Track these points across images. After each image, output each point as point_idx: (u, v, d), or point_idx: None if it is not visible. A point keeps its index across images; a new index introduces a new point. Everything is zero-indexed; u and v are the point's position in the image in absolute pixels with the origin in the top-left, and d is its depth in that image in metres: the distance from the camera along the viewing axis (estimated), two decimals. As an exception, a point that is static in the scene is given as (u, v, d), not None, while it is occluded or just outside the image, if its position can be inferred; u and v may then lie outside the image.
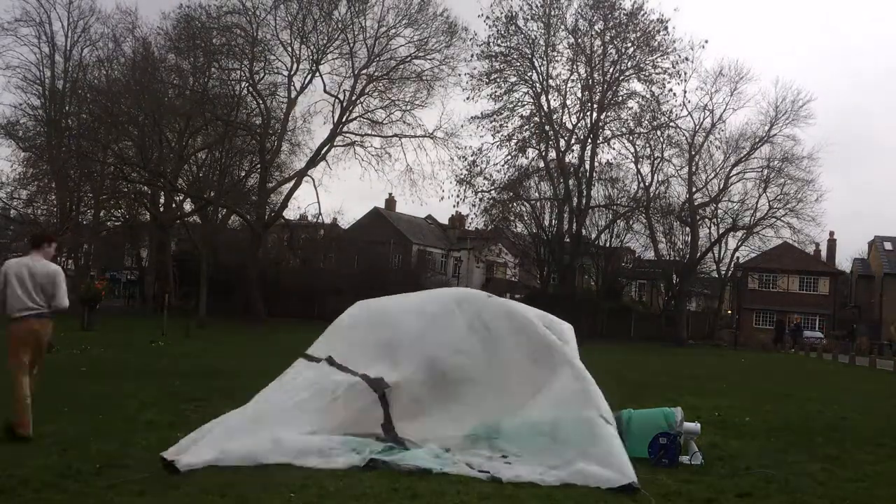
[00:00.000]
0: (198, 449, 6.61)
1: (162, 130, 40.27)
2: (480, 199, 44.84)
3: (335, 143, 43.41)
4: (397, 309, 8.52)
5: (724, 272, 51.41)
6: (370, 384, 7.61)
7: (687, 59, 43.70)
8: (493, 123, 44.47)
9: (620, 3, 44.05)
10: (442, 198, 45.84)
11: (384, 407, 7.55)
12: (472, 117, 44.67)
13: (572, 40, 45.02)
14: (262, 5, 41.33)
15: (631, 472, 6.35)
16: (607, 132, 46.35)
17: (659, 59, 44.32)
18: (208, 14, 40.98)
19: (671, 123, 45.59)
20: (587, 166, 45.59)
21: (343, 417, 7.37)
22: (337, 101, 43.27)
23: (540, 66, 45.10)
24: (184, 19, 41.03)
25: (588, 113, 45.63)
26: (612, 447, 6.65)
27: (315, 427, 7.18)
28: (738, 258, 51.86)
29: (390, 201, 58.19)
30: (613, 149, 47.29)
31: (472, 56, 44.26)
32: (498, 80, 44.82)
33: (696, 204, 46.89)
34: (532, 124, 45.24)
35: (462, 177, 44.41)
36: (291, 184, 43.76)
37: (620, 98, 45.48)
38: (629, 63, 44.87)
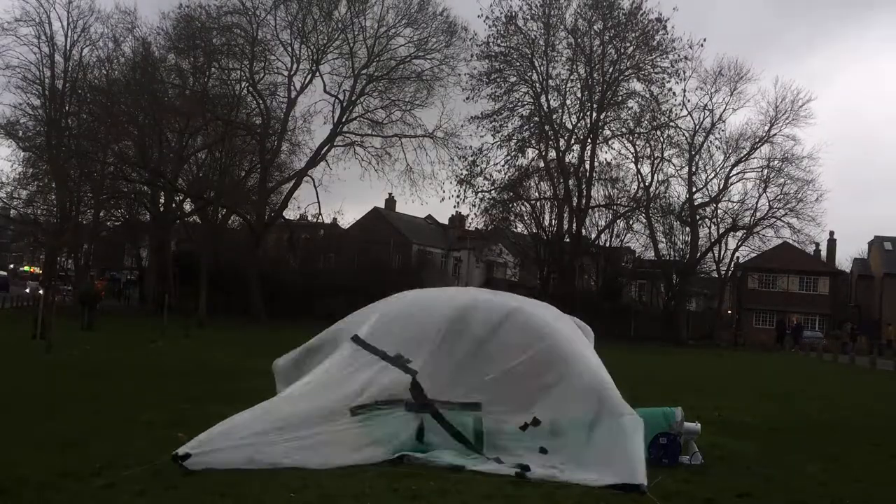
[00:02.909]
0: (219, 454, 6.57)
1: (162, 130, 40.26)
2: (480, 199, 44.78)
3: (335, 143, 43.41)
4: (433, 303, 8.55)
5: (724, 272, 51.40)
6: (390, 362, 7.53)
7: (686, 58, 43.72)
8: (493, 123, 44.40)
9: (619, 3, 44.06)
10: (442, 198, 45.76)
11: (409, 371, 7.47)
12: (472, 117, 44.59)
13: (572, 40, 44.97)
14: (262, 5, 41.34)
15: (642, 475, 6.37)
16: (607, 132, 46.35)
17: (658, 59, 44.32)
18: (208, 14, 40.96)
19: (671, 123, 45.58)
20: (587, 166, 45.57)
21: (367, 388, 7.33)
22: (337, 101, 43.30)
23: (540, 66, 45.08)
24: (184, 19, 41.00)
25: (588, 113, 45.59)
26: (632, 446, 6.66)
27: (339, 403, 7.18)
28: (738, 258, 51.89)
29: (390, 201, 58.15)
30: (613, 149, 47.29)
31: (471, 56, 44.21)
32: (498, 80, 44.77)
33: (696, 204, 46.86)
34: (532, 124, 45.19)
35: (462, 177, 44.37)
36: (291, 184, 43.76)
37: (620, 98, 45.45)
38: (628, 63, 44.83)
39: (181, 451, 6.42)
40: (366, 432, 7.08)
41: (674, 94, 44.30)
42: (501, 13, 44.01)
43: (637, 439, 6.72)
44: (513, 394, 7.38)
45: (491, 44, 44.27)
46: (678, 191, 48.25)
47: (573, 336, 7.93)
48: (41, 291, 28.04)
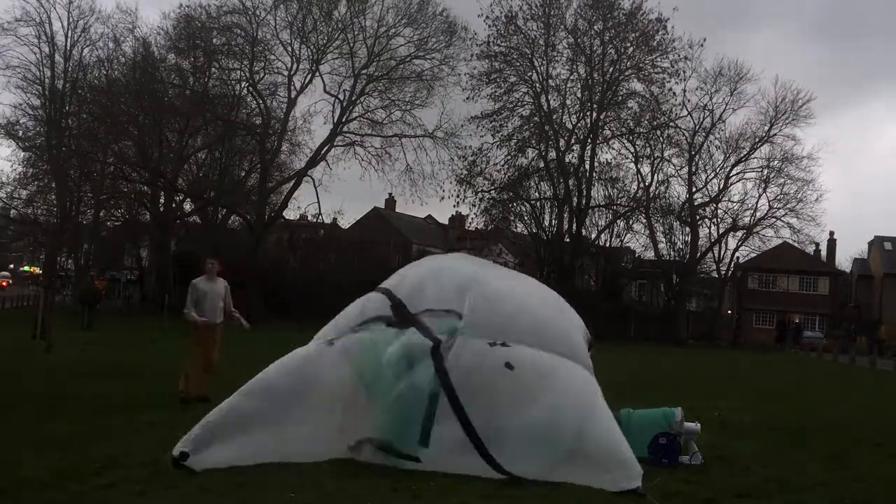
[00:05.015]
0: (215, 449, 6.54)
1: (162, 130, 40.29)
2: (480, 199, 44.81)
3: (335, 143, 43.45)
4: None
5: (724, 272, 51.39)
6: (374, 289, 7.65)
7: (686, 58, 43.74)
8: (493, 123, 44.40)
9: (620, 3, 44.10)
10: (442, 198, 45.75)
11: (387, 294, 7.49)
12: (472, 117, 44.57)
13: (572, 40, 44.99)
14: (262, 5, 41.41)
15: (637, 477, 6.37)
16: (607, 132, 46.31)
17: (658, 59, 44.35)
18: (208, 14, 41.04)
19: (671, 123, 45.59)
20: (587, 166, 45.54)
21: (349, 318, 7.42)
22: (337, 101, 43.34)
23: (540, 66, 45.07)
24: (184, 19, 41.07)
25: (588, 113, 45.57)
26: (620, 449, 6.64)
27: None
28: (738, 258, 51.86)
29: (390, 201, 58.12)
30: (613, 149, 47.26)
31: (471, 56, 44.22)
32: (498, 79, 44.76)
33: (696, 204, 46.85)
34: (532, 124, 45.18)
35: (462, 177, 44.39)
36: (291, 184, 43.80)
37: (620, 98, 45.46)
38: (628, 63, 44.85)
39: (177, 450, 6.41)
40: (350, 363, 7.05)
41: (674, 94, 44.39)
42: (501, 13, 44.04)
43: (623, 443, 6.69)
44: (493, 323, 7.29)
45: (491, 44, 44.30)
46: (678, 191, 48.28)
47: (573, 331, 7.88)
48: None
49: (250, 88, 42.54)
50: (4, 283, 61.97)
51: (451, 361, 6.86)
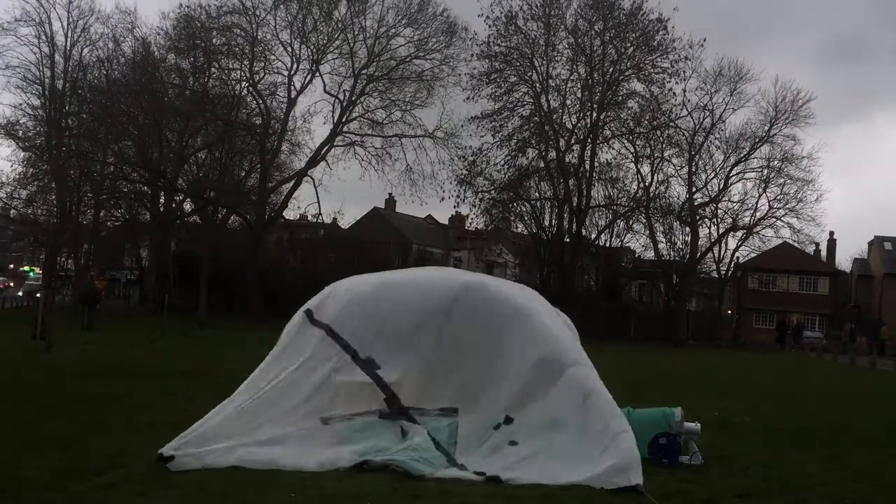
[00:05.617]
0: (199, 454, 6.56)
1: (162, 130, 40.30)
2: (480, 200, 44.83)
3: (335, 143, 43.47)
4: (400, 282, 8.42)
5: (724, 272, 51.38)
6: (359, 365, 7.46)
7: (686, 58, 43.73)
8: (493, 123, 44.41)
9: (620, 3, 44.11)
10: (442, 198, 45.63)
11: (381, 386, 7.39)
12: (472, 117, 44.57)
13: (572, 40, 45.01)
14: (262, 5, 41.45)
15: (638, 475, 6.36)
16: (607, 132, 46.33)
17: (658, 59, 44.35)
18: (208, 14, 41.09)
19: (671, 123, 45.58)
20: (587, 166, 45.55)
21: (337, 397, 7.31)
22: (337, 101, 43.37)
23: (540, 66, 45.07)
24: (184, 19, 41.08)
25: (588, 113, 45.59)
26: (622, 447, 6.62)
27: (312, 412, 7.15)
28: (738, 258, 51.86)
29: (390, 201, 58.12)
30: (613, 149, 47.25)
31: (471, 56, 44.24)
32: (498, 79, 44.76)
33: (696, 204, 46.84)
34: (532, 124, 45.18)
35: (462, 177, 44.39)
36: (291, 184, 43.83)
37: (620, 98, 45.47)
38: (629, 63, 44.85)
39: (165, 451, 6.44)
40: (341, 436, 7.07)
41: (674, 94, 44.41)
42: (501, 13, 44.06)
43: (628, 441, 6.67)
44: (492, 397, 7.32)
45: (491, 44, 44.32)
46: (678, 191, 48.25)
47: (566, 336, 7.86)
48: (39, 294, 28.06)
49: (250, 88, 42.59)
50: (8, 284, 61.91)
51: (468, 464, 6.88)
